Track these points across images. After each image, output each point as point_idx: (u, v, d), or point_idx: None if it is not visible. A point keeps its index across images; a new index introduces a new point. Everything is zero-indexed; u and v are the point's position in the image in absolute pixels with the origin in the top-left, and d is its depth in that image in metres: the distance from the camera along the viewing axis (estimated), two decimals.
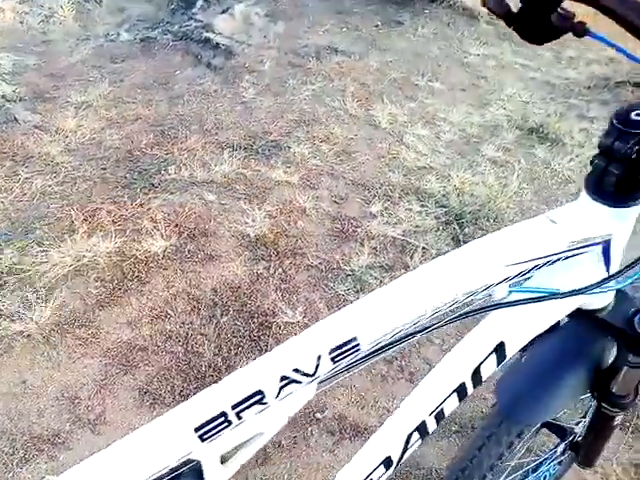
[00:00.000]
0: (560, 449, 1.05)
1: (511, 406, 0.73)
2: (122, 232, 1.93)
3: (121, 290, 1.72)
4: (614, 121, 0.43)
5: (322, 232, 1.99)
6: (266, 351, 1.22)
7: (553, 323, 0.59)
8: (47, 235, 1.91)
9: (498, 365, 0.58)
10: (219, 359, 1.52)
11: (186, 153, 2.44)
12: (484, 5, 0.61)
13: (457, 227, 2.01)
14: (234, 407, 0.38)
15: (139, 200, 2.11)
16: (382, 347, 0.43)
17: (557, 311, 0.58)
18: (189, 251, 1.85)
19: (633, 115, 0.43)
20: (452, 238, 1.98)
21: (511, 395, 0.73)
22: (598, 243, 0.51)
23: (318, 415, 1.46)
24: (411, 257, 1.88)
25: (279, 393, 0.39)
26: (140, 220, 1.98)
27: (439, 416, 0.59)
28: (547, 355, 0.73)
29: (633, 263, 0.52)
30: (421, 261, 1.86)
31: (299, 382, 0.39)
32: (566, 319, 0.65)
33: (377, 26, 3.67)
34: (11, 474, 1.29)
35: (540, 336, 0.71)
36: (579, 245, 0.49)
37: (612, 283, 0.58)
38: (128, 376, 1.50)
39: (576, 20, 0.58)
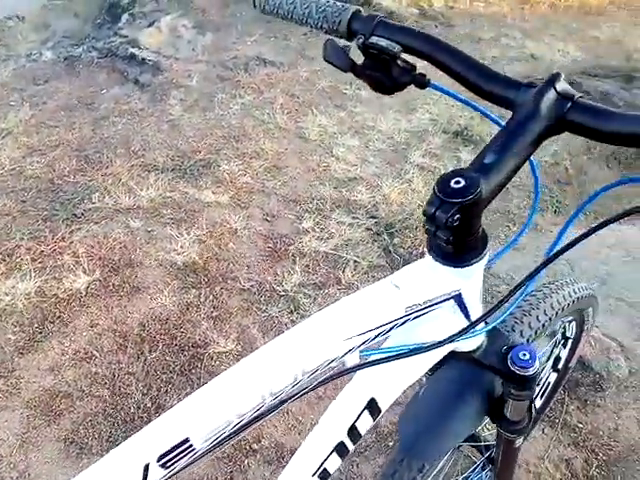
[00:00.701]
0: (481, 464, 1.07)
1: (411, 442, 0.73)
2: (42, 270, 1.84)
3: (42, 334, 1.64)
4: (435, 190, 0.44)
5: (254, 253, 1.96)
6: (198, 386, 1.19)
7: (426, 371, 0.60)
8: None
9: (375, 419, 0.58)
10: (148, 399, 1.48)
11: (111, 178, 2.36)
12: (326, 60, 0.60)
13: (387, 237, 2.03)
14: None
15: (61, 233, 2.02)
16: (222, 440, 0.41)
17: (427, 361, 0.59)
18: (114, 285, 1.78)
19: (452, 183, 0.43)
20: (383, 249, 1.99)
21: (411, 432, 0.73)
22: (448, 299, 0.52)
23: (255, 446, 1.44)
24: (343, 271, 1.89)
25: None
26: (61, 255, 1.90)
27: (323, 476, 0.58)
28: (443, 388, 0.74)
29: (492, 308, 0.52)
30: (353, 275, 1.87)
31: None
32: None
33: (306, 34, 3.67)
34: None
35: (437, 368, 0.72)
36: (424, 306, 0.50)
37: (480, 326, 0.59)
38: (52, 426, 1.43)
39: (417, 72, 0.58)
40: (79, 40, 4.42)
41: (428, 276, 0.51)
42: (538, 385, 1.25)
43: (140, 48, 3.65)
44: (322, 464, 0.57)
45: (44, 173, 2.47)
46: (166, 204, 2.17)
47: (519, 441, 0.81)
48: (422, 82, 0.58)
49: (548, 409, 1.54)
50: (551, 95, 0.48)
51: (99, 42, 4.09)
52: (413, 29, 0.58)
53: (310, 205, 2.19)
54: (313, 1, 0.62)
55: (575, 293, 0.88)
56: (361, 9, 0.60)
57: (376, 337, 0.48)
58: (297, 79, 3.17)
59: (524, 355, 0.61)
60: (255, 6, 0.66)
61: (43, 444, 1.41)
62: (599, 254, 2.23)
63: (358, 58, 0.60)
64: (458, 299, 0.53)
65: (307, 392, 0.47)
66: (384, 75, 0.58)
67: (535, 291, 0.84)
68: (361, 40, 0.57)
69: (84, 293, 1.76)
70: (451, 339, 0.50)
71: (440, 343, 0.50)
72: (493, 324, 0.59)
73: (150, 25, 4.07)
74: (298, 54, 3.45)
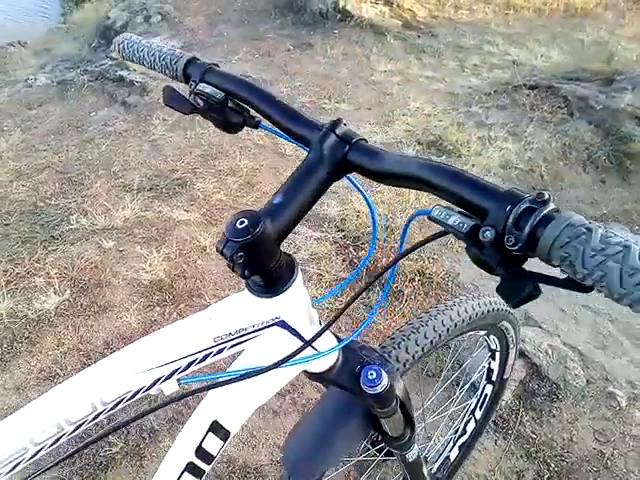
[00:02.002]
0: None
1: (294, 462, 0.75)
2: (15, 292, 1.91)
3: (10, 354, 1.70)
4: (224, 230, 0.47)
5: (221, 270, 2.00)
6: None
7: (273, 394, 0.62)
8: None
9: (225, 440, 0.61)
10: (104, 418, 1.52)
11: (90, 200, 2.43)
12: (167, 105, 0.64)
13: (353, 250, 2.05)
14: None
15: (37, 255, 2.09)
16: (17, 465, 0.45)
17: (274, 384, 0.61)
18: (82, 305, 1.84)
19: (237, 224, 0.46)
20: (348, 262, 2.02)
21: (295, 452, 0.76)
22: (268, 326, 0.55)
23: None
24: (305, 284, 1.91)
25: None
26: (35, 277, 1.96)
27: None
28: (325, 408, 0.76)
29: (320, 331, 0.54)
30: (317, 288, 1.90)
31: None
32: None
33: (289, 50, 3.74)
34: None
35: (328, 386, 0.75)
36: (236, 335, 0.53)
37: (326, 348, 0.62)
38: None
39: (248, 114, 0.62)
40: (75, 64, 4.56)
41: (241, 307, 0.53)
42: (478, 398, 1.26)
43: (129, 70, 3.76)
44: None
45: (29, 196, 2.55)
46: (140, 223, 2.23)
47: (410, 455, 0.83)
48: (253, 123, 0.62)
49: (502, 421, 1.54)
50: (332, 139, 0.51)
51: (92, 65, 4.21)
52: (236, 76, 0.62)
53: None
54: (157, 50, 0.66)
55: (474, 309, 0.89)
56: (197, 57, 0.64)
57: (189, 365, 0.51)
58: (278, 95, 3.22)
59: (371, 374, 0.63)
60: (118, 52, 0.70)
61: None
62: None
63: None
64: (283, 325, 0.56)
65: (129, 423, 0.51)
66: (221, 116, 0.62)
67: (423, 312, 0.86)
68: (192, 86, 0.61)
69: (53, 313, 1.82)
70: (277, 364, 0.53)
71: (267, 368, 0.53)
72: (342, 345, 0.62)
73: None
74: (280, 70, 3.51)
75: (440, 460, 1.33)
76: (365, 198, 0.60)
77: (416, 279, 1.89)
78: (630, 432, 1.51)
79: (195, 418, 0.60)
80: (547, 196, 0.39)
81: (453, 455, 1.32)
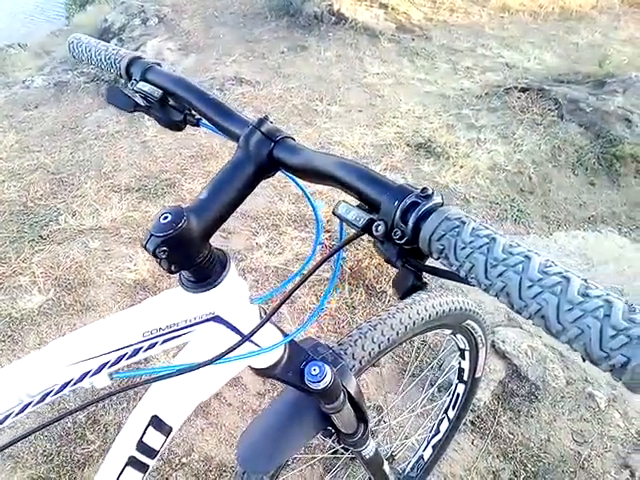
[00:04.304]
0: None
1: (247, 458, 0.76)
2: (0, 291, 1.92)
3: None
4: (150, 225, 0.47)
5: None
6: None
7: (217, 389, 0.63)
8: None
9: (168, 435, 0.61)
10: (82, 416, 1.53)
11: (79, 200, 2.44)
12: (109, 103, 0.65)
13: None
14: None
15: (24, 254, 2.10)
16: None
17: (216, 379, 0.62)
18: (65, 304, 1.85)
19: (161, 219, 0.47)
20: (332, 262, 2.02)
21: (247, 447, 0.76)
22: (203, 321, 0.55)
23: (184, 460, 1.47)
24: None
25: None
26: (20, 276, 1.98)
27: None
28: (280, 403, 0.77)
29: (261, 323, 0.55)
30: (300, 288, 1.90)
31: None
32: None
33: (283, 52, 3.76)
34: None
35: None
36: (168, 330, 0.53)
37: (267, 345, 0.62)
38: None
39: (188, 112, 0.63)
40: (72, 65, 4.58)
41: (173, 302, 0.54)
42: (451, 396, 1.26)
43: None
44: (119, 477, 0.60)
45: (19, 197, 2.57)
46: (127, 223, 2.24)
47: (367, 451, 0.83)
48: (193, 121, 0.63)
49: (480, 420, 1.54)
50: (257, 136, 0.51)
51: (88, 67, 4.24)
52: (174, 75, 0.63)
53: (267, 221, 2.23)
54: (103, 49, 0.67)
55: (434, 308, 0.90)
56: (141, 55, 0.65)
57: (120, 359, 0.52)
58: (270, 97, 3.24)
59: (314, 370, 0.63)
60: (69, 52, 0.71)
61: None
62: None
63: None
64: (219, 320, 0.56)
65: (64, 417, 0.51)
66: (162, 114, 0.63)
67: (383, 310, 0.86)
68: (133, 85, 0.62)
69: (36, 312, 1.83)
70: (212, 361, 0.53)
71: (202, 364, 0.54)
72: (285, 341, 0.62)
73: (136, 49, 4.21)
74: (274, 72, 3.52)
75: (414, 459, 1.33)
76: (306, 195, 0.61)
77: None
78: (608, 433, 1.51)
79: (136, 413, 0.60)
80: (431, 191, 0.39)
81: (427, 454, 1.32)
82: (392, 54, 3.61)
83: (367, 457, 0.84)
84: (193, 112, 0.63)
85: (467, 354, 1.15)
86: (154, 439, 0.60)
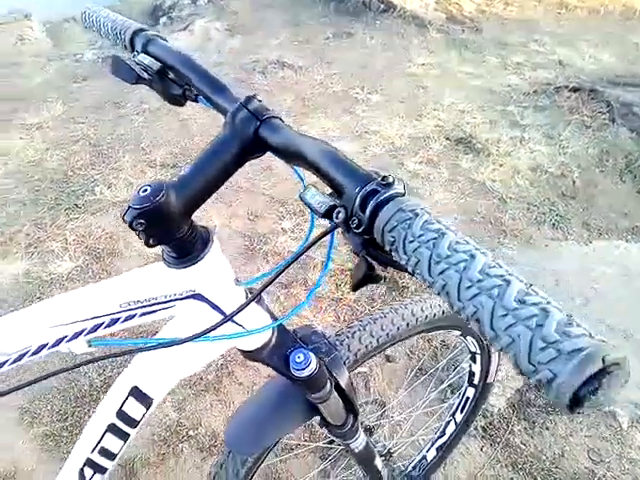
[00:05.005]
0: None
1: (233, 439, 0.75)
2: (34, 255, 1.99)
3: None
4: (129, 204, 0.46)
5: (230, 250, 2.02)
6: None
7: (201, 367, 0.62)
8: None
9: (148, 406, 0.61)
10: (98, 381, 1.57)
11: (116, 173, 2.50)
12: (113, 74, 0.64)
13: None
14: None
15: (59, 222, 2.17)
16: None
17: (200, 357, 0.61)
18: (93, 271, 1.90)
19: (140, 192, 0.46)
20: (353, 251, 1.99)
21: (234, 429, 0.76)
22: (183, 298, 0.54)
23: (191, 432, 1.50)
24: (312, 271, 1.91)
25: None
26: (54, 242, 2.05)
27: (105, 453, 0.62)
28: (269, 387, 0.76)
29: (244, 305, 0.54)
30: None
31: None
32: None
33: (328, 38, 3.71)
34: None
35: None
36: (146, 304, 0.52)
37: (254, 327, 0.61)
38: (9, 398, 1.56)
39: (187, 87, 0.61)
40: None
41: (153, 276, 0.53)
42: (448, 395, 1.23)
43: None
44: (99, 442, 0.61)
45: (60, 165, 2.65)
46: None
47: (356, 445, 0.82)
48: (192, 97, 0.61)
49: (492, 427, 1.49)
50: (243, 114, 0.49)
51: None
52: (175, 49, 0.61)
53: (293, 206, 2.23)
54: (111, 20, 0.66)
55: (440, 307, 0.86)
56: (145, 27, 0.64)
57: (96, 328, 0.52)
58: (311, 82, 3.21)
59: (299, 357, 0.62)
60: (83, 21, 0.71)
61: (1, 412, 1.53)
62: (593, 271, 2.11)
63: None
64: (200, 297, 0.55)
65: (38, 381, 0.52)
66: (163, 88, 0.62)
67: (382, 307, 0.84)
68: (135, 56, 0.61)
69: (65, 277, 1.89)
70: (191, 338, 0.53)
71: (181, 341, 0.53)
72: (272, 325, 0.61)
73: (185, 28, 4.26)
74: (317, 57, 3.49)
75: (417, 459, 1.30)
76: (300, 177, 0.59)
77: None
78: (628, 455, 1.44)
79: (118, 382, 0.61)
80: (392, 179, 0.37)
81: (430, 456, 1.29)
82: (440, 45, 3.51)
83: (356, 450, 0.82)
84: (189, 88, 0.62)
85: (478, 357, 1.10)
86: (134, 409, 0.60)
